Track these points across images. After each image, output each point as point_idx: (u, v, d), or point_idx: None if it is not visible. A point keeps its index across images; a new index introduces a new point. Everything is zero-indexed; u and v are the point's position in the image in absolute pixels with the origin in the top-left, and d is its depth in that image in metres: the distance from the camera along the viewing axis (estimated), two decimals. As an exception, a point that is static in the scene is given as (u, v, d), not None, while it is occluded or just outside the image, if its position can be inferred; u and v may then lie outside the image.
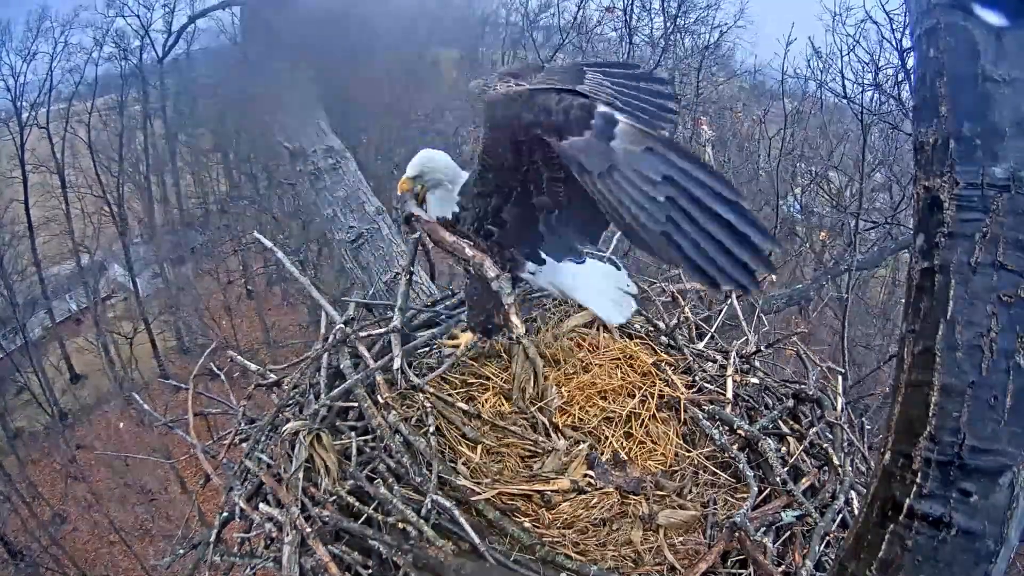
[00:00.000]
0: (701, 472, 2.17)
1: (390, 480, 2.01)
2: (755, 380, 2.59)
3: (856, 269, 6.09)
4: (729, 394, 2.47)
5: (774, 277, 5.15)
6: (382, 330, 2.56)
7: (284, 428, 2.18)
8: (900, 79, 6.93)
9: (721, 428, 2.28)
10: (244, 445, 2.31)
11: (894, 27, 6.81)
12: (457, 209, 2.21)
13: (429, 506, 1.85)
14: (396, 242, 4.01)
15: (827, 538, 1.94)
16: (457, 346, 2.46)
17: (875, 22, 7.59)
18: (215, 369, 2.74)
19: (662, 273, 3.64)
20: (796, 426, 2.41)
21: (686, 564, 1.85)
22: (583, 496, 2.02)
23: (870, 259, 7.32)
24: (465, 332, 2.50)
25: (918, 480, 1.15)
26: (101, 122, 16.52)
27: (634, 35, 8.37)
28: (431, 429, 2.11)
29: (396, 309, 2.55)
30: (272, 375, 2.65)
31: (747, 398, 2.51)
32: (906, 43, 6.55)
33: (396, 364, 2.35)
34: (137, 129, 16.80)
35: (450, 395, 2.33)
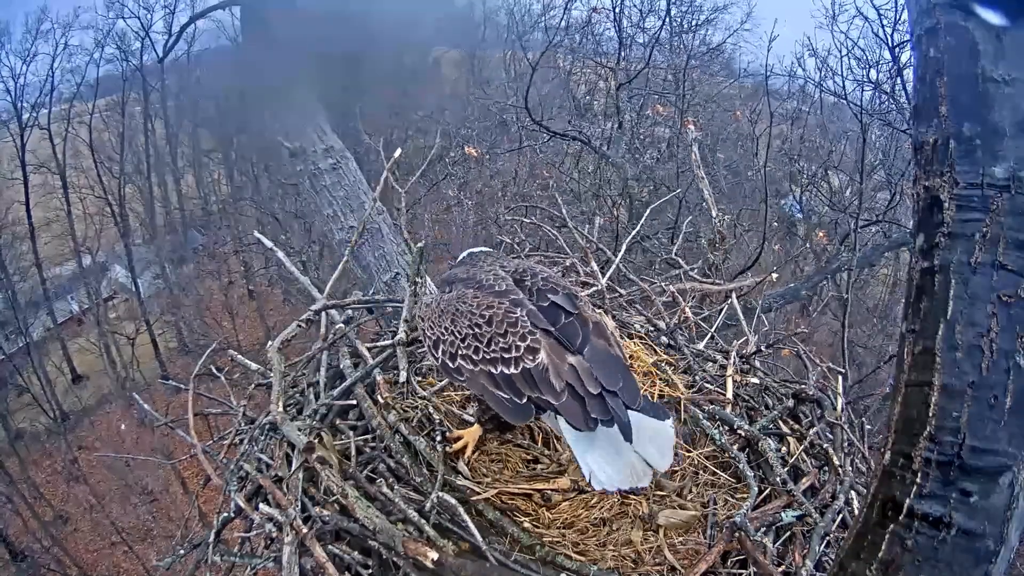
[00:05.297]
0: (701, 472, 2.17)
1: (391, 480, 2.01)
2: (755, 380, 2.58)
3: (853, 267, 6.08)
4: (729, 394, 2.47)
5: (774, 276, 5.14)
6: (388, 342, 2.55)
7: (284, 428, 2.17)
8: (894, 74, 6.92)
9: (721, 428, 2.27)
10: (243, 446, 2.30)
11: (884, 23, 6.81)
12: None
13: (434, 501, 1.83)
14: (396, 241, 4.01)
15: (827, 538, 1.94)
16: (464, 445, 2.14)
17: (866, 18, 7.59)
18: (215, 371, 2.73)
19: (662, 273, 3.64)
20: (796, 426, 2.40)
21: (686, 564, 1.84)
22: (583, 496, 2.01)
23: (866, 256, 7.32)
24: (470, 427, 2.18)
25: (918, 480, 1.15)
26: (102, 123, 16.57)
27: (624, 34, 8.39)
28: (438, 437, 2.11)
29: (401, 321, 2.53)
30: (272, 375, 2.64)
31: (747, 398, 2.50)
32: (897, 39, 6.56)
33: (402, 377, 2.35)
34: (138, 130, 16.85)
35: (451, 402, 2.35)
